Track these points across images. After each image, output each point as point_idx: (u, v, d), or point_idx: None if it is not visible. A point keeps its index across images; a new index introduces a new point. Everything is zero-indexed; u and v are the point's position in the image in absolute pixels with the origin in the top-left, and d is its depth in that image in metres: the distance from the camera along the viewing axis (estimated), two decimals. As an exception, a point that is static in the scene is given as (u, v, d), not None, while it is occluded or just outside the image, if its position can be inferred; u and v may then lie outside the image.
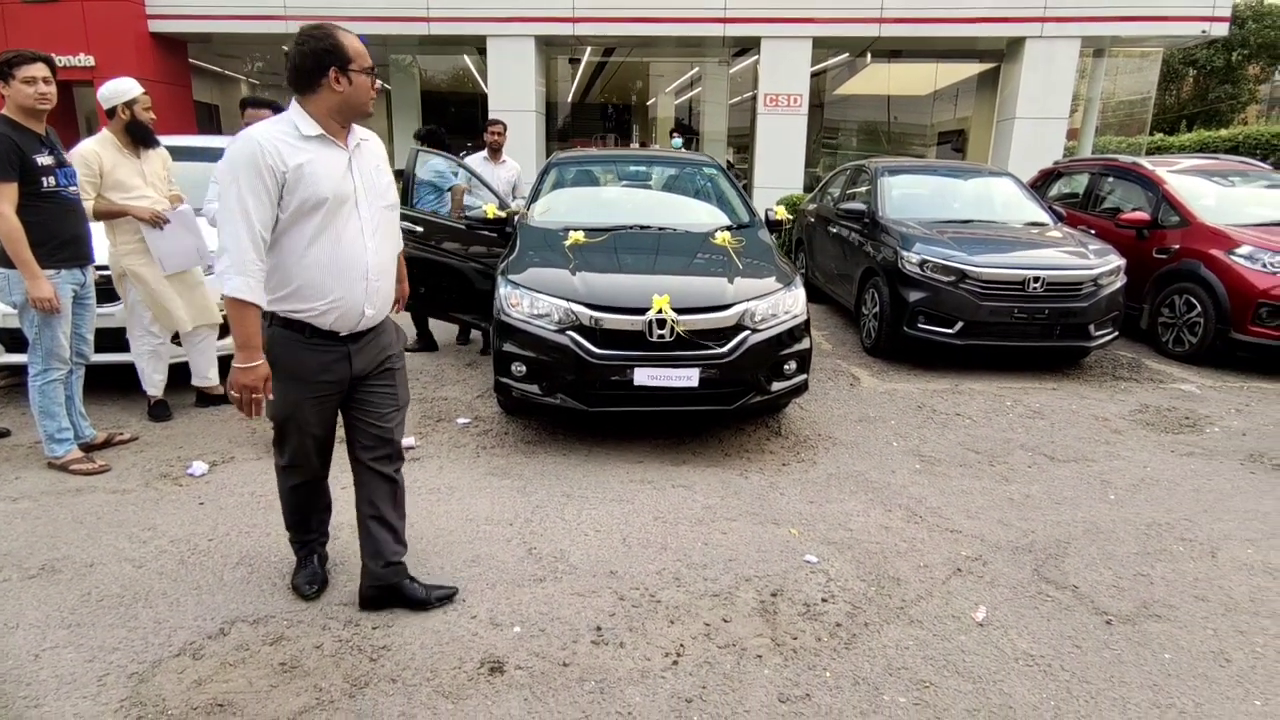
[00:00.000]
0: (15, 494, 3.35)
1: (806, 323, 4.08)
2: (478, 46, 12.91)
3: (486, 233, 4.98)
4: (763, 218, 5.07)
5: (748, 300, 3.85)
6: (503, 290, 3.96)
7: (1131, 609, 2.64)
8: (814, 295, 8.16)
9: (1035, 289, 5.32)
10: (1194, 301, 5.96)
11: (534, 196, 5.16)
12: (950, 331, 5.46)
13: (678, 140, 8.18)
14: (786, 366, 3.97)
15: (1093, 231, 6.88)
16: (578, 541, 3.02)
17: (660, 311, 3.63)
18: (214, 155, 3.60)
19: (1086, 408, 4.91)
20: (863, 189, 7.07)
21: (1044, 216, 6.41)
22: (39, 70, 3.28)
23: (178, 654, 2.27)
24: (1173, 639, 2.48)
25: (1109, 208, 7.25)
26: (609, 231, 4.46)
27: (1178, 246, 6.21)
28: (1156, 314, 6.33)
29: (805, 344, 4.05)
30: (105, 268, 4.02)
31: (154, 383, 4.31)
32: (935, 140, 18.79)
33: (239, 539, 2.99)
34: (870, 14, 11.76)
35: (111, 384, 4.69)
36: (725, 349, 3.74)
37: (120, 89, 3.93)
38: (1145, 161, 7.11)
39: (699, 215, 5.01)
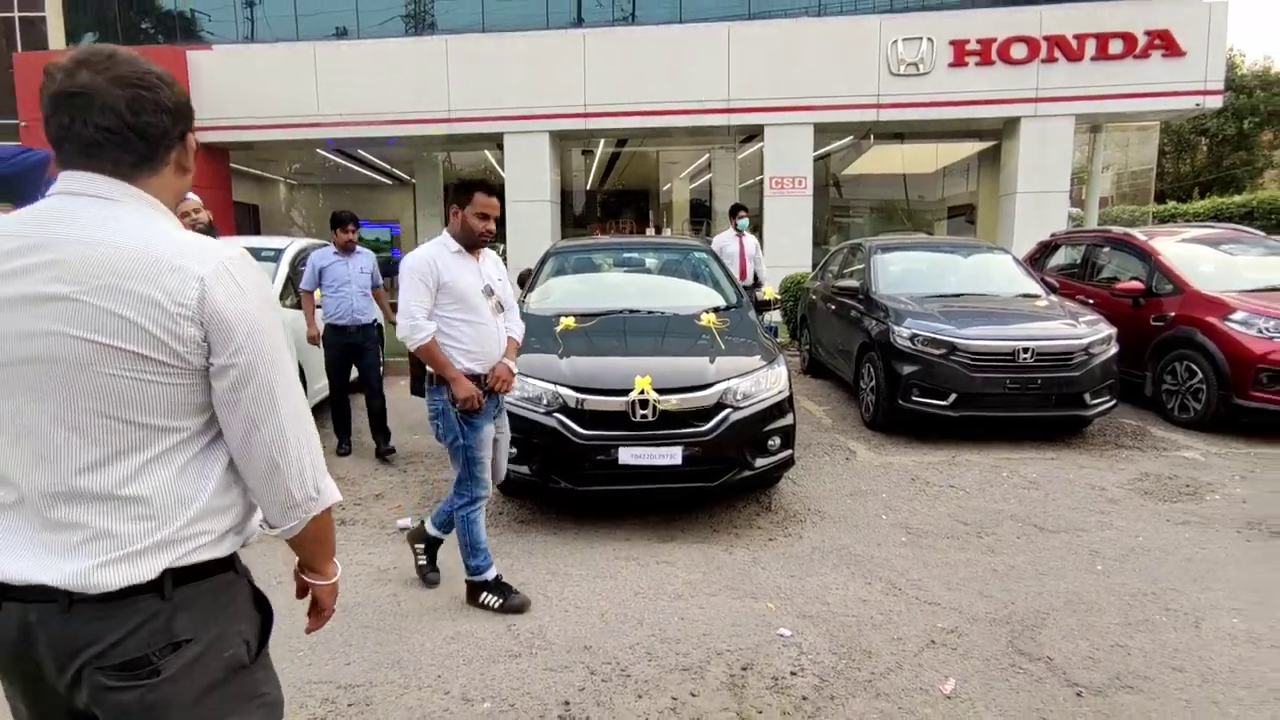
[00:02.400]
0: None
1: (790, 399, 4.21)
2: (497, 142, 13.65)
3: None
4: (750, 298, 5.27)
5: (729, 379, 4.00)
6: (495, 375, 4.16)
7: (1104, 680, 2.63)
8: (818, 371, 8.32)
9: (1026, 359, 5.40)
10: (1194, 368, 5.97)
11: (532, 285, 5.45)
12: (944, 403, 5.52)
13: (744, 221, 7.94)
14: (770, 442, 4.08)
15: (1091, 301, 6.98)
16: (557, 618, 3.10)
17: (642, 392, 3.79)
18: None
19: (1084, 477, 4.90)
20: (858, 266, 7.27)
21: (1036, 288, 6.53)
22: None
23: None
24: (1143, 710, 2.46)
25: (1106, 278, 7.35)
26: (599, 316, 4.68)
27: (1174, 314, 6.26)
28: (1160, 381, 6.33)
29: (789, 420, 4.16)
30: None
31: None
32: (946, 215, 19.13)
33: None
34: (868, 100, 12.27)
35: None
36: (707, 427, 3.87)
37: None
38: (1137, 232, 7.24)
39: (687, 298, 5.23)
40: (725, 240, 7.99)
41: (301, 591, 1.46)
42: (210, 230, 4.44)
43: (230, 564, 1.24)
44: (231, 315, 1.12)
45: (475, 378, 3.04)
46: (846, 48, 12.25)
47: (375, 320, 5.62)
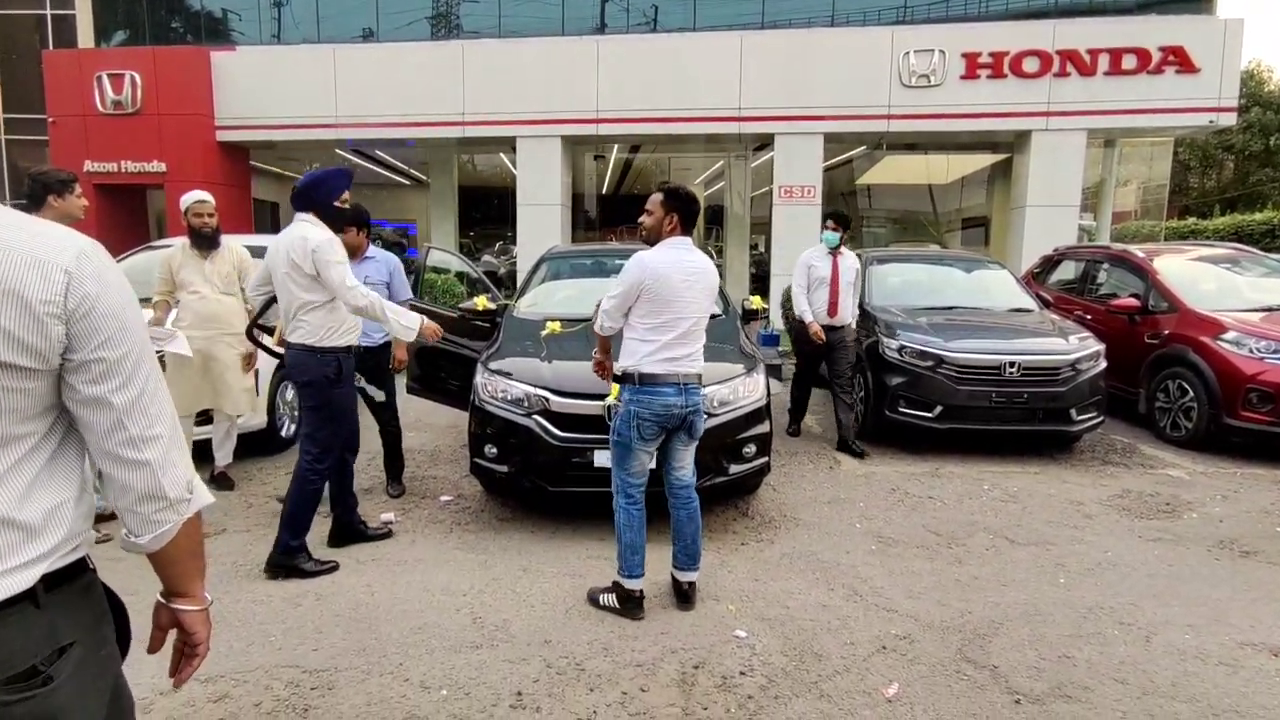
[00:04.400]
0: (29, 559, 3.70)
1: (767, 406, 4.28)
2: (510, 145, 13.84)
3: (480, 323, 5.36)
4: (738, 308, 5.36)
5: (706, 385, 4.08)
6: (480, 378, 4.29)
7: (1045, 690, 2.69)
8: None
9: (1012, 374, 5.43)
10: (1186, 386, 5.97)
11: (523, 290, 5.57)
12: (930, 415, 5.57)
13: (831, 235, 5.71)
14: (745, 450, 4.16)
15: (1088, 317, 6.99)
16: (522, 612, 3.21)
17: (617, 397, 3.88)
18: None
19: (1065, 492, 4.93)
20: (855, 277, 7.32)
21: (1029, 303, 6.56)
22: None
23: (134, 705, 2.51)
24: (1078, 719, 2.52)
25: (1104, 294, 7.35)
26: (584, 321, 4.78)
27: (1168, 332, 6.27)
28: (1153, 399, 6.33)
29: (765, 427, 4.24)
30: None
31: None
32: (960, 226, 19.08)
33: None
34: (878, 111, 12.31)
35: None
36: (681, 432, 3.95)
37: (183, 200, 4.63)
38: (1135, 249, 7.24)
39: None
40: (813, 258, 5.82)
41: (166, 625, 1.28)
42: (216, 234, 4.57)
43: (88, 564, 1.17)
44: (99, 309, 1.04)
45: None
46: (858, 58, 12.30)
47: (387, 341, 4.61)
